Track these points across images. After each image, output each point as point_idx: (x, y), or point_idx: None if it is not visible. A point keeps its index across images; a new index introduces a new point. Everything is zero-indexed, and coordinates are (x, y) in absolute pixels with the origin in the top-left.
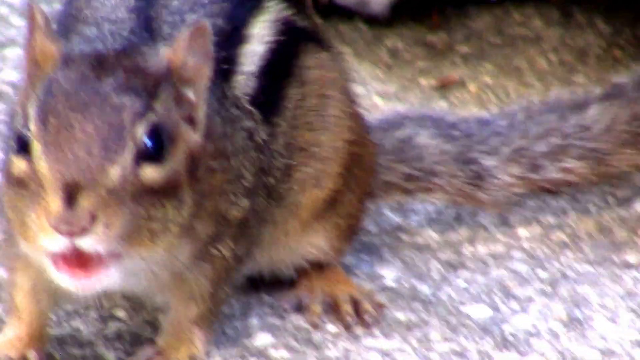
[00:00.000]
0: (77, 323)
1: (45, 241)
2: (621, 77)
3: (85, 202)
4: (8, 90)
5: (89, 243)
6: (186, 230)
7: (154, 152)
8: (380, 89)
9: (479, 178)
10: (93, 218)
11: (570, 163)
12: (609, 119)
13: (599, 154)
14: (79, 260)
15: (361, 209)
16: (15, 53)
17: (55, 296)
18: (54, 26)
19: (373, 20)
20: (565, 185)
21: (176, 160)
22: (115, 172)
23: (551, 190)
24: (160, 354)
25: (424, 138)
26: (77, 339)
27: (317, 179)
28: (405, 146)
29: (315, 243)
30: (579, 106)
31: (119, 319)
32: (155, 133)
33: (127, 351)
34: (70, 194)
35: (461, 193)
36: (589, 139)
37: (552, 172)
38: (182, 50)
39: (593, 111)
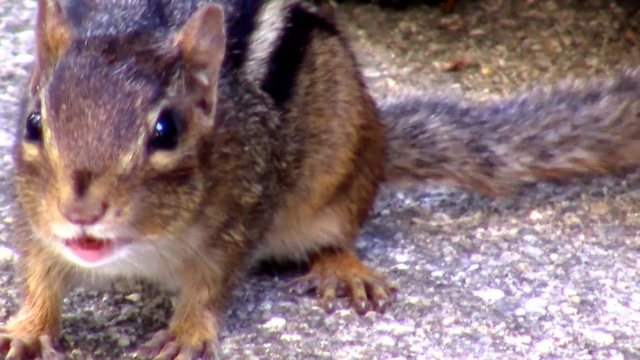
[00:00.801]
0: (90, 307)
1: (57, 229)
2: (633, 70)
3: (97, 191)
4: (22, 73)
5: (99, 230)
6: (198, 216)
7: (166, 138)
8: (394, 72)
9: (489, 165)
10: (104, 206)
11: (580, 153)
12: (620, 111)
13: (609, 145)
14: (90, 244)
15: (373, 193)
16: (28, 36)
17: (68, 280)
18: (65, 11)
19: (387, 3)
20: (574, 176)
21: (188, 146)
22: (126, 160)
23: (560, 179)
24: (173, 338)
25: (436, 124)
26: (90, 323)
27: (328, 164)
28: (417, 132)
29: (328, 228)
30: (591, 97)
31: (132, 303)
32: (167, 119)
33: (140, 335)
34: (81, 182)
35: (471, 180)
36: (599, 130)
37: (561, 162)
38: (194, 34)
39: (604, 103)
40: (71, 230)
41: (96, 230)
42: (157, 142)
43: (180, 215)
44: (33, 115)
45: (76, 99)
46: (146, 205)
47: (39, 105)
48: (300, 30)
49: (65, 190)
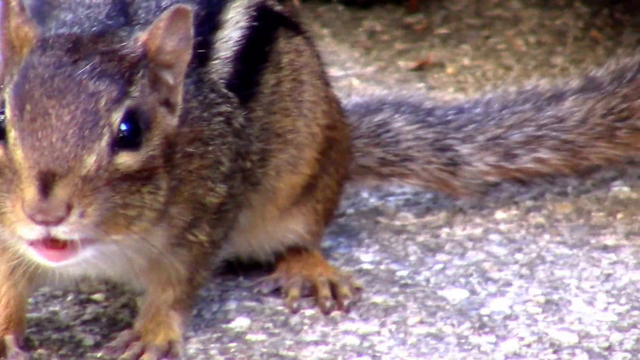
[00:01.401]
0: (55, 307)
1: (21, 230)
2: (598, 70)
3: (61, 192)
4: None
5: (64, 231)
6: (162, 215)
7: (130, 139)
8: (358, 71)
9: (453, 165)
10: (68, 207)
11: (545, 153)
12: (585, 112)
13: (573, 146)
14: (54, 244)
15: (339, 193)
16: None
17: (33, 280)
18: (29, 10)
19: (351, 2)
20: (538, 176)
21: (152, 146)
22: (90, 160)
23: (525, 180)
24: (138, 338)
25: (400, 123)
26: (55, 323)
27: (293, 164)
28: (381, 131)
29: (293, 227)
30: (555, 97)
31: (96, 303)
32: (131, 119)
33: (104, 335)
34: (46, 183)
35: (436, 179)
36: (563, 130)
37: (526, 162)
38: (160, 33)
39: (569, 103)
40: (35, 231)
41: (60, 232)
42: (121, 142)
43: (144, 215)
44: None
45: (40, 99)
46: (110, 206)
47: (2, 105)
48: (265, 29)
49: (30, 191)
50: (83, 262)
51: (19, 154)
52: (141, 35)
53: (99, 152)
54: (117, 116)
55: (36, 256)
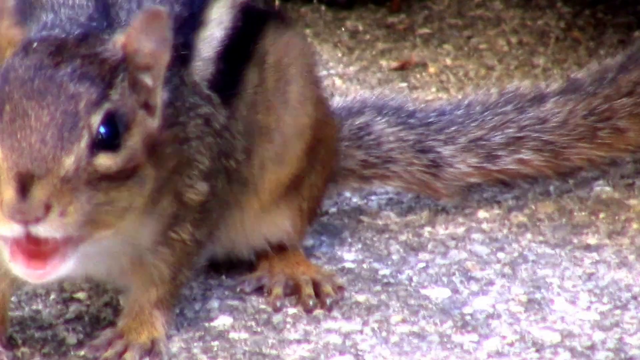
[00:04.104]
0: (38, 305)
1: (1, 228)
2: (579, 72)
3: (39, 192)
4: None
5: (44, 230)
6: (144, 214)
7: (109, 141)
8: (340, 71)
9: (435, 167)
10: (47, 207)
11: (526, 155)
12: (566, 113)
13: (555, 147)
14: (35, 247)
15: (323, 192)
16: None
17: (15, 279)
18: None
19: (333, 2)
20: (520, 178)
21: (132, 147)
22: (69, 162)
23: (507, 181)
24: (121, 336)
25: (382, 125)
26: (38, 321)
27: (278, 162)
28: (363, 133)
29: (277, 225)
30: (537, 99)
31: (79, 301)
32: (111, 121)
33: (87, 333)
34: (24, 184)
35: (417, 181)
36: (545, 131)
37: (508, 163)
38: (137, 35)
39: (550, 104)
40: (15, 229)
41: (41, 230)
42: (101, 144)
43: (126, 214)
44: None
45: (20, 101)
46: (91, 205)
47: None
48: (250, 28)
49: (8, 191)
50: (64, 273)
51: None
52: (120, 38)
53: (77, 153)
54: (96, 118)
55: (19, 272)
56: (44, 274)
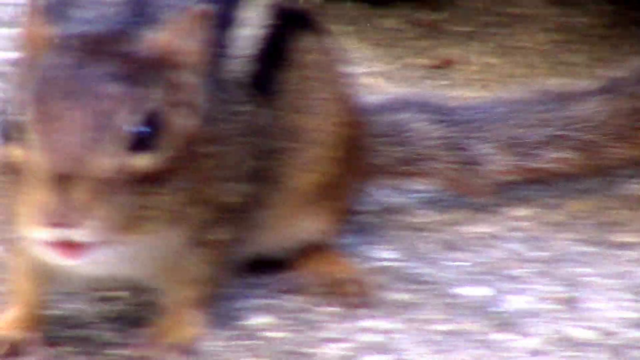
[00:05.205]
0: (77, 304)
1: (37, 232)
2: (619, 71)
3: (76, 194)
4: (6, 70)
5: (79, 234)
6: (180, 216)
7: (146, 141)
8: (376, 69)
9: (473, 164)
10: (84, 210)
11: (565, 153)
12: (606, 112)
13: (594, 146)
14: (70, 245)
15: (357, 191)
16: (11, 32)
17: (54, 278)
18: (49, 9)
19: (373, 0)
20: (558, 176)
21: (169, 148)
22: (106, 163)
23: (544, 179)
24: (158, 335)
25: (421, 123)
26: (77, 320)
27: (312, 163)
28: (400, 130)
29: (312, 225)
30: (576, 98)
31: (118, 300)
32: (148, 121)
33: (125, 332)
34: (62, 186)
35: (455, 179)
36: (584, 130)
37: (545, 162)
38: (176, 34)
39: (590, 104)
40: (51, 234)
41: (76, 234)
42: (138, 144)
43: (161, 216)
44: (15, 116)
45: (57, 102)
46: (127, 208)
47: (21, 106)
48: (284, 28)
49: (45, 194)
50: (99, 262)
51: (35, 156)
52: (159, 36)
53: (115, 154)
54: (133, 118)
55: (52, 257)
56: (77, 255)
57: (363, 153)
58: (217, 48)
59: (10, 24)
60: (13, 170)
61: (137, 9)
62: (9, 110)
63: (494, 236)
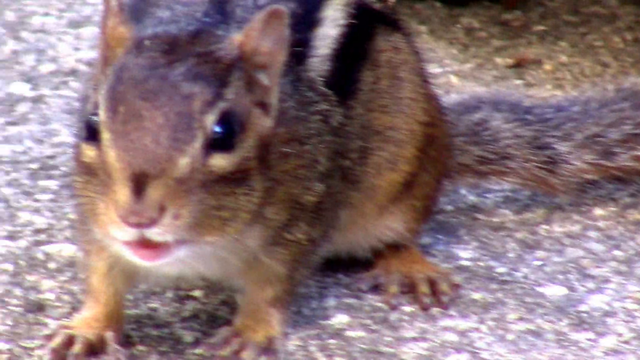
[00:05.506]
0: (154, 304)
1: (115, 231)
2: None
3: (154, 193)
4: (84, 69)
5: (157, 234)
6: (257, 217)
7: (224, 141)
8: (456, 68)
9: (552, 163)
10: (161, 209)
11: None
12: None
13: None
14: (148, 245)
15: (437, 190)
16: (90, 32)
17: (131, 278)
18: (127, 9)
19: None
20: (636, 174)
21: (246, 148)
22: (184, 162)
23: (623, 178)
24: (237, 335)
25: (499, 121)
26: (154, 319)
27: (392, 162)
28: (479, 129)
29: (392, 225)
30: None
31: (195, 300)
32: (226, 121)
33: (204, 332)
34: (139, 185)
35: (534, 177)
36: None
37: (624, 160)
38: (255, 34)
39: None
40: (129, 233)
41: (154, 233)
42: (215, 144)
43: (238, 216)
44: (91, 116)
45: (134, 101)
46: (204, 208)
47: (97, 106)
48: (363, 27)
49: (123, 193)
50: (177, 261)
51: (112, 156)
52: (236, 37)
53: (192, 153)
54: (211, 118)
55: (130, 256)
56: (155, 255)
57: (444, 152)
58: (296, 47)
59: (88, 23)
60: (87, 171)
61: (215, 9)
62: (87, 110)
63: (572, 235)
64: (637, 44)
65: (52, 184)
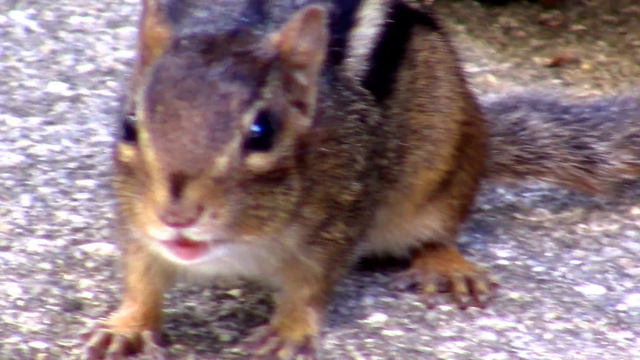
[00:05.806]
0: (192, 303)
1: (153, 231)
2: None
3: (192, 193)
4: (122, 68)
5: (195, 233)
6: (295, 216)
7: (262, 140)
8: (494, 67)
9: (590, 163)
10: (200, 209)
11: None
12: None
13: None
14: (187, 244)
15: (475, 189)
16: (128, 31)
17: (168, 277)
18: (165, 10)
19: None
20: None
21: (284, 147)
22: (222, 162)
23: None
24: (274, 333)
25: (537, 121)
26: (192, 318)
27: (429, 161)
28: (517, 128)
29: (429, 224)
30: None
31: (233, 299)
32: (263, 120)
33: (241, 331)
34: (177, 185)
35: (572, 177)
36: None
37: None
38: (293, 34)
39: None
40: (167, 232)
41: (192, 233)
42: (253, 143)
43: (276, 216)
44: (129, 116)
45: (172, 101)
46: (242, 207)
47: (135, 105)
48: (400, 26)
49: (161, 192)
50: (215, 260)
51: (150, 156)
52: (274, 36)
53: (230, 153)
54: (248, 117)
55: (168, 255)
56: (194, 254)
57: (481, 151)
58: (333, 47)
59: (127, 23)
60: (125, 171)
61: (253, 9)
62: (125, 110)
63: (610, 234)
64: None
65: (90, 183)
